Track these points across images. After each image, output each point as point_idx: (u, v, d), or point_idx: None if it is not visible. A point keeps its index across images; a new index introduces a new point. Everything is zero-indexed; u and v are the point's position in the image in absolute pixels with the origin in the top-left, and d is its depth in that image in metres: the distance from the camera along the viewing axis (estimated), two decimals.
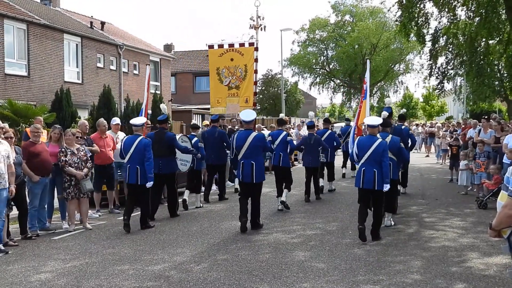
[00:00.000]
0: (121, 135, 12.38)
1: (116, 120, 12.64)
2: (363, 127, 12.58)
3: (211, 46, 17.22)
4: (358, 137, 9.56)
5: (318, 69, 62.23)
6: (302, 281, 6.23)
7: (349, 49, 58.23)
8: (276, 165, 11.84)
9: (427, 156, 27.09)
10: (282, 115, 14.55)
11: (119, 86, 29.65)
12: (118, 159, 11.93)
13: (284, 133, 11.90)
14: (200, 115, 35.27)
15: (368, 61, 16.99)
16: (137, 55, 32.04)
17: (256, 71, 16.47)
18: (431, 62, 25.91)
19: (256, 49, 16.47)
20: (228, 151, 12.80)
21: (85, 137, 10.97)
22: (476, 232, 8.97)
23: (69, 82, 25.24)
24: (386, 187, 8.39)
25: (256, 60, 16.20)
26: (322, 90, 64.83)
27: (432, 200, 12.83)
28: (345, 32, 60.71)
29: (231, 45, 17.05)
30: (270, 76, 61.73)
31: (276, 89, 59.65)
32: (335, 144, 14.64)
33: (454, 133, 20.30)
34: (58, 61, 25.17)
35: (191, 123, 13.65)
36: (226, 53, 16.44)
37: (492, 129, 14.23)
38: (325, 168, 14.51)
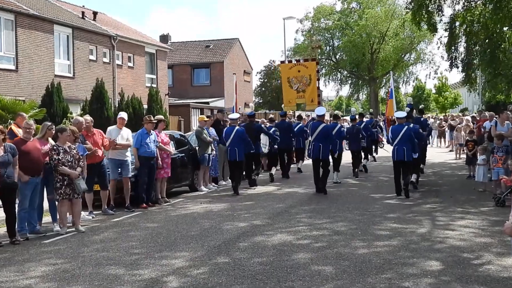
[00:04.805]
0: (126, 131, 12.32)
1: (120, 114, 12.62)
2: (390, 117, 17.93)
3: (282, 62, 27.22)
4: (391, 125, 14.30)
5: (323, 60, 62.07)
6: (309, 285, 6.20)
7: (356, 38, 58.02)
8: (333, 150, 15.56)
9: (451, 150, 27.07)
10: (337, 112, 20.49)
11: (113, 80, 29.64)
12: (119, 157, 11.93)
13: (339, 125, 16.07)
14: (199, 110, 35.26)
15: (391, 72, 25.36)
16: (131, 47, 32.01)
17: (318, 79, 24.23)
18: (452, 52, 25.68)
19: (318, 63, 25.51)
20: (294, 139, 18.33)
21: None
22: (493, 231, 8.92)
23: (59, 76, 25.25)
24: (415, 155, 13.42)
25: (318, 71, 24.18)
26: (328, 81, 64.79)
27: (447, 198, 12.79)
28: (352, 20, 60.52)
29: (297, 61, 26.01)
30: (272, 68, 61.65)
31: (279, 82, 59.49)
32: (369, 133, 19.52)
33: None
34: (48, 53, 25.15)
35: (269, 117, 19.35)
36: (294, 66, 23.74)
37: (509, 121, 14.17)
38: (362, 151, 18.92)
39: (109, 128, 12.44)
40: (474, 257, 7.34)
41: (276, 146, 17.49)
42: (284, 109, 22.36)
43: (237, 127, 14.50)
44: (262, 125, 16.64)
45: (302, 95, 23.28)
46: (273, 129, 17.19)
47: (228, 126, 15.87)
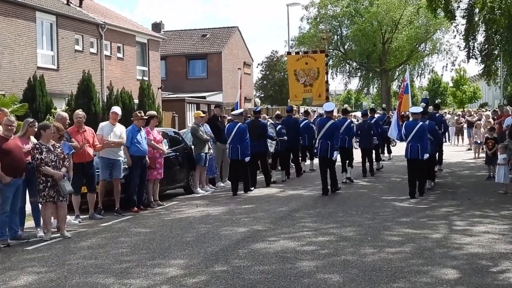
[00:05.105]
0: (119, 127, 12.32)
1: (113, 109, 12.64)
2: (402, 113, 17.73)
3: (289, 53, 27.55)
4: (406, 121, 14.85)
5: (331, 50, 62.07)
6: None
7: (366, 26, 58.01)
8: (342, 146, 15.73)
9: (469, 149, 27.09)
10: (346, 106, 22.07)
11: (101, 72, 29.64)
12: (111, 156, 11.94)
13: (349, 120, 16.98)
14: (195, 105, 35.29)
15: (407, 65, 25.46)
16: (121, 36, 32.01)
17: (327, 72, 24.83)
18: (470, 41, 25.67)
19: (327, 55, 26.13)
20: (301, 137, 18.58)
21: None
22: None
23: (42, 68, 25.24)
24: (426, 156, 13.25)
25: (326, 64, 24.67)
26: (336, 74, 64.75)
27: (464, 200, 12.82)
28: (362, 7, 60.50)
29: (305, 52, 27.29)
30: (275, 59, 61.64)
31: (282, 74, 59.46)
32: (380, 130, 19.74)
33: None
34: (30, 43, 25.16)
35: (276, 114, 19.20)
36: (301, 58, 24.05)
37: None
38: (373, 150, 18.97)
39: (101, 124, 12.45)
40: (493, 264, 7.37)
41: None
42: (290, 103, 22.77)
43: (239, 124, 14.66)
44: (268, 123, 16.93)
45: (309, 89, 23.65)
46: (279, 126, 17.43)
47: (226, 122, 16.28)
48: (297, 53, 27.12)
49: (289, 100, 24.00)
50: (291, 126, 17.92)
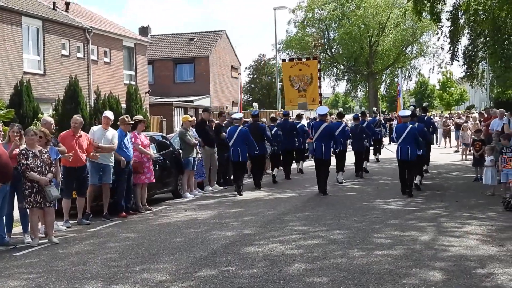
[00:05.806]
0: (111, 131, 12.24)
1: (106, 113, 12.57)
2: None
3: (284, 60, 30.33)
4: (396, 124, 15.82)
5: (318, 54, 62.36)
6: None
7: (353, 29, 58.24)
8: (335, 148, 16.46)
9: (457, 151, 27.27)
10: (341, 109, 22.73)
11: (88, 77, 29.53)
12: (102, 161, 11.89)
13: (344, 124, 17.76)
14: (182, 109, 35.26)
15: (399, 69, 28.17)
16: (108, 40, 31.93)
17: (320, 78, 27.02)
18: (454, 44, 25.79)
19: (319, 62, 29.13)
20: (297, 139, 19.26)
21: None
22: (502, 238, 9.04)
23: (29, 73, 25.12)
24: (420, 152, 14.05)
25: (319, 70, 27.02)
26: (324, 77, 64.79)
27: (452, 202, 12.91)
28: (349, 10, 60.73)
29: (299, 59, 28.76)
30: (262, 63, 61.73)
31: (269, 78, 59.57)
32: (371, 132, 20.31)
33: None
34: (16, 48, 25.02)
35: (271, 116, 20.29)
36: (296, 65, 25.91)
37: None
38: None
39: (93, 128, 12.42)
40: (481, 266, 7.43)
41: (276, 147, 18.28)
42: (285, 108, 23.31)
43: (240, 127, 15.35)
44: (266, 126, 17.67)
45: (303, 95, 25.01)
46: (275, 129, 18.12)
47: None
48: (291, 59, 28.41)
49: (285, 105, 24.63)
50: (288, 129, 18.67)
